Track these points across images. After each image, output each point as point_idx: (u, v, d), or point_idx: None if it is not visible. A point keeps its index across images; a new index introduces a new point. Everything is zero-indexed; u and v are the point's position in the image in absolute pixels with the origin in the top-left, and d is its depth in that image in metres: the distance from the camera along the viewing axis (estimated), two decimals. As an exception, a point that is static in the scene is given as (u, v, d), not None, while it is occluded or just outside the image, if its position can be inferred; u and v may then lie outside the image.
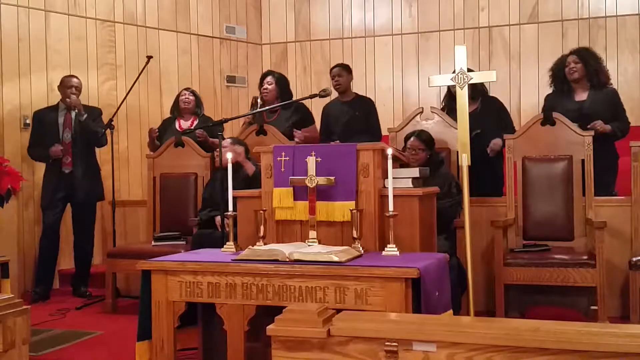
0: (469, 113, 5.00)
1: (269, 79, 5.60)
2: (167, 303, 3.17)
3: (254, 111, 5.41)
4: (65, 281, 6.05)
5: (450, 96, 5.13)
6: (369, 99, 5.90)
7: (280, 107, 5.45)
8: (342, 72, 5.63)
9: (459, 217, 4.48)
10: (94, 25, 6.63)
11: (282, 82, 5.63)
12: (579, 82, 4.98)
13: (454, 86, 3.76)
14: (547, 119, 4.68)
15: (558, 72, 5.09)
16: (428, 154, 4.57)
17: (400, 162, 3.75)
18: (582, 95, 5.01)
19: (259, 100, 5.57)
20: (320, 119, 5.77)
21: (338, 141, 5.23)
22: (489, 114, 5.18)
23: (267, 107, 5.36)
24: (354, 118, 5.56)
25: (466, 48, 3.72)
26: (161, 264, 3.21)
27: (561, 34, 6.92)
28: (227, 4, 7.76)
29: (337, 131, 5.58)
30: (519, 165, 4.71)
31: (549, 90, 5.22)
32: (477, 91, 5.12)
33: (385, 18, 7.59)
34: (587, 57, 5.00)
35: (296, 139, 5.30)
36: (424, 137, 4.62)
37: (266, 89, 5.55)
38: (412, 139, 4.62)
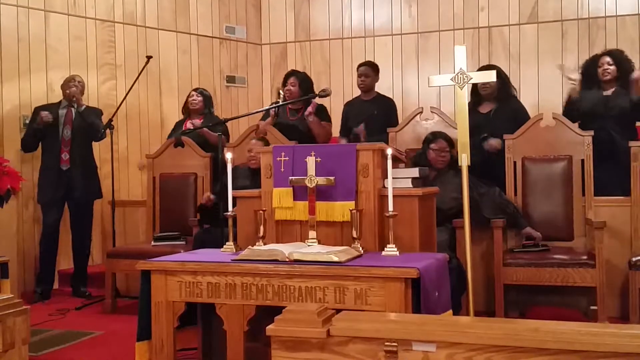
0: (485, 113, 5.05)
1: (292, 79, 5.56)
2: (167, 303, 3.17)
3: (272, 106, 5.39)
4: (64, 281, 6.04)
5: (473, 91, 5.09)
6: (390, 98, 5.87)
7: (303, 108, 5.46)
8: (370, 72, 5.63)
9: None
10: (94, 25, 6.63)
11: (305, 83, 5.58)
12: (610, 82, 4.97)
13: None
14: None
15: (589, 71, 5.06)
16: (452, 154, 4.61)
17: (400, 162, 3.75)
18: (608, 91, 4.99)
19: (281, 95, 5.50)
20: (341, 115, 5.79)
21: (364, 131, 5.29)
22: (504, 116, 5.08)
23: (270, 106, 5.33)
24: (371, 117, 5.56)
25: (466, 48, 3.72)
26: (161, 264, 3.21)
27: (561, 34, 6.91)
28: (226, 3, 7.76)
29: (354, 128, 5.59)
30: (518, 165, 4.71)
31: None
32: (504, 91, 5.09)
33: (385, 18, 7.59)
34: (621, 60, 5.00)
35: (306, 113, 5.30)
36: (449, 138, 4.65)
37: (289, 90, 5.51)
38: (439, 140, 4.62)
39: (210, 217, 4.87)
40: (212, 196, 4.85)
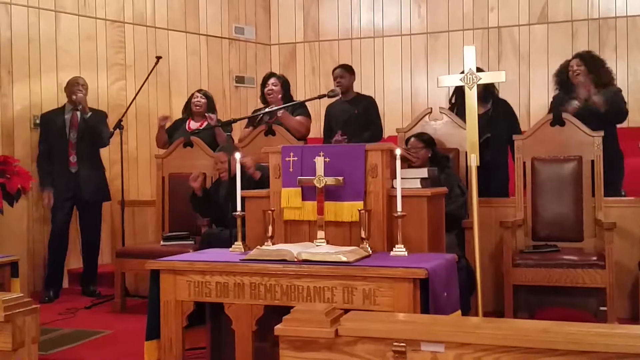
0: (481, 114, 5.05)
1: (273, 80, 5.65)
2: (176, 302, 3.18)
3: (259, 112, 5.41)
4: (74, 281, 6.07)
5: (460, 95, 5.13)
6: (369, 97, 5.96)
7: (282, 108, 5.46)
8: (345, 73, 5.72)
9: (467, 218, 4.48)
10: (104, 25, 6.65)
11: (286, 84, 5.70)
12: (584, 83, 5.00)
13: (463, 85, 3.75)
14: (556, 120, 4.67)
15: (562, 76, 5.21)
16: (429, 152, 4.63)
17: (408, 163, 3.75)
18: (581, 98, 5.02)
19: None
20: (323, 119, 5.83)
21: (344, 136, 5.38)
22: (501, 117, 5.20)
23: (273, 108, 5.35)
24: (352, 116, 5.65)
25: (475, 48, 3.71)
26: (170, 263, 3.22)
27: (571, 34, 6.89)
28: (236, 4, 7.77)
29: (337, 130, 5.64)
30: (528, 166, 4.69)
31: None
32: (488, 92, 5.13)
33: (394, 18, 7.58)
34: (589, 60, 5.10)
35: (278, 114, 5.32)
36: (425, 137, 4.71)
37: (271, 89, 5.60)
38: (412, 139, 4.72)
39: (203, 206, 4.97)
40: (199, 178, 4.89)
